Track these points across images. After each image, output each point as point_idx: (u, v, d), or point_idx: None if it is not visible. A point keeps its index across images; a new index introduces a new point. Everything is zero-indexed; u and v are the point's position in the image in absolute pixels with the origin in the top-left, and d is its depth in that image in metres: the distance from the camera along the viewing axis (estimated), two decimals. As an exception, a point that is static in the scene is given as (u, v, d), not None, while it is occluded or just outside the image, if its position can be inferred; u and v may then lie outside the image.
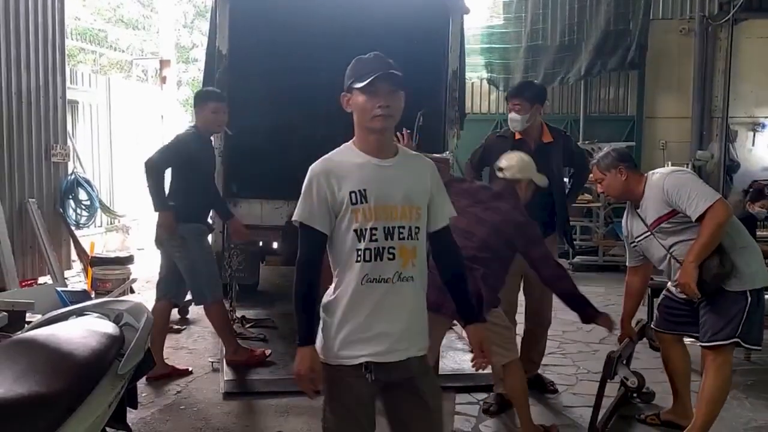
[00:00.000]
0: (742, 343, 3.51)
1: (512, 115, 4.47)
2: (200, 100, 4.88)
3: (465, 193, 3.69)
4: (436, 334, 3.49)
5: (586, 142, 10.74)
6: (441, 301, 3.09)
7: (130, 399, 2.55)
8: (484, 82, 11.38)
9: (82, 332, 2.31)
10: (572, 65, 10.97)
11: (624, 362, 4.04)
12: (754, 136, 11.01)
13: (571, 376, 4.97)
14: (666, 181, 3.57)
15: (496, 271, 3.52)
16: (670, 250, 3.62)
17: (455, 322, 3.62)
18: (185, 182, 4.70)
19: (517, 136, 4.49)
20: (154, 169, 4.56)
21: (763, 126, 10.98)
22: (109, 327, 2.41)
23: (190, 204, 4.65)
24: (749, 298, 3.47)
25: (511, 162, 3.79)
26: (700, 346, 3.63)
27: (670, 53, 11.04)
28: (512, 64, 11.22)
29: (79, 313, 2.54)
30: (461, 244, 3.11)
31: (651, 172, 3.76)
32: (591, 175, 4.02)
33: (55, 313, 2.57)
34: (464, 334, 5.01)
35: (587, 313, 3.60)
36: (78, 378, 2.10)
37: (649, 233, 3.68)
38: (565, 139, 4.70)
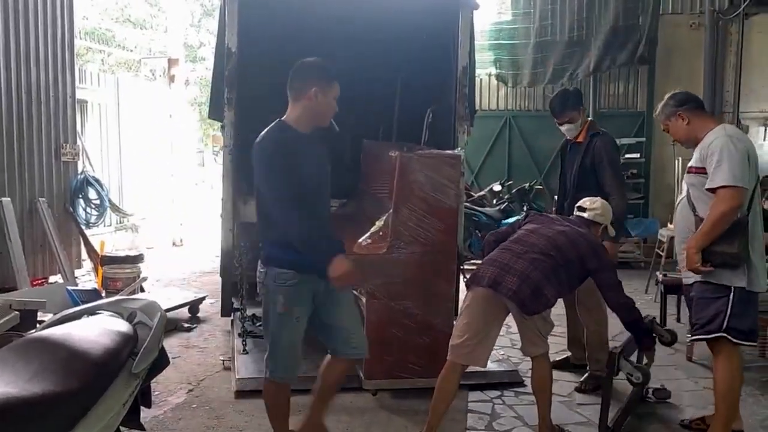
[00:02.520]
0: (731, 339, 3.46)
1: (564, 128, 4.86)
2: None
3: (549, 217, 4.03)
4: (492, 316, 3.63)
5: (596, 138, 10.69)
6: (500, 279, 3.49)
7: (143, 398, 2.53)
8: (493, 78, 11.32)
9: (95, 331, 2.29)
10: (581, 61, 10.89)
11: (627, 358, 3.98)
12: (765, 131, 10.90)
13: (582, 373, 4.91)
14: (714, 141, 3.49)
15: (563, 279, 3.63)
16: (688, 198, 3.63)
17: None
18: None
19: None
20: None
21: (775, 121, 10.88)
22: (122, 325, 2.40)
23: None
24: (732, 293, 3.44)
25: (594, 205, 4.05)
26: (688, 341, 3.63)
27: (680, 48, 10.95)
28: (521, 60, 11.16)
29: (92, 311, 2.52)
30: (542, 245, 3.62)
31: (723, 126, 3.65)
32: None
33: (68, 312, 2.55)
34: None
35: (643, 342, 3.85)
36: (92, 377, 2.08)
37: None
38: (595, 138, 4.72)
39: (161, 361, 2.50)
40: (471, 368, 4.71)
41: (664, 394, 4.39)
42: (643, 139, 10.71)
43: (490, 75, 11.24)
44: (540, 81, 11.10)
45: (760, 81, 10.81)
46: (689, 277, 3.65)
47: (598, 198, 4.15)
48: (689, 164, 3.67)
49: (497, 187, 10.34)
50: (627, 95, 11.31)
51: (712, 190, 3.43)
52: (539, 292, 3.50)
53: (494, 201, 10.34)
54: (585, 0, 10.81)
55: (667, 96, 3.83)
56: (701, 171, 3.52)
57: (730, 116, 10.72)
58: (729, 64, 10.74)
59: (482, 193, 10.33)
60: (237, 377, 4.48)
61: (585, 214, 4.01)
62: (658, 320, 4.54)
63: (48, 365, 2.03)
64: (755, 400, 4.33)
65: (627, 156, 10.12)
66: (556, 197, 5.30)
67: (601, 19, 10.78)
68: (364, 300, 4.29)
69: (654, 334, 3.91)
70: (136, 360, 2.29)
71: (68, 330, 2.28)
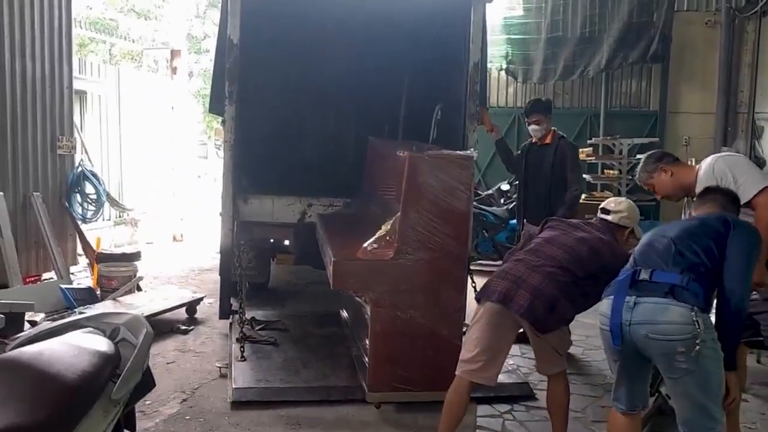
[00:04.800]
0: None
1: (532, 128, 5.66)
2: None
3: (568, 223, 3.67)
4: (504, 332, 3.38)
5: (608, 137, 10.44)
6: (512, 294, 3.23)
7: (127, 423, 2.31)
8: (502, 74, 11.07)
9: (71, 351, 2.07)
10: (593, 58, 10.65)
11: None
12: (780, 132, 10.63)
13: (598, 386, 4.70)
14: (716, 164, 3.51)
15: (583, 293, 3.30)
16: None
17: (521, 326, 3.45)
18: None
19: (534, 139, 5.77)
20: None
21: (791, 122, 10.60)
22: (103, 344, 2.17)
23: None
24: None
25: (620, 207, 3.66)
26: None
27: (694, 46, 10.68)
28: (531, 55, 10.92)
29: (72, 327, 2.29)
30: (560, 257, 3.33)
31: (704, 159, 3.67)
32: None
33: (44, 327, 2.32)
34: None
35: None
36: (65, 405, 1.86)
37: None
38: (560, 141, 5.64)
39: (145, 385, 2.27)
40: (479, 380, 4.56)
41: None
42: (656, 139, 10.43)
43: (500, 70, 10.99)
44: (550, 77, 10.86)
45: (776, 80, 10.54)
46: None
47: (624, 199, 3.83)
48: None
49: (505, 186, 10.08)
50: (639, 94, 11.04)
51: (747, 204, 3.32)
52: (554, 310, 3.20)
53: (502, 200, 10.08)
54: (598, -4, 10.58)
55: (643, 157, 3.90)
56: None
57: (745, 117, 10.46)
58: (744, 64, 10.47)
59: (490, 192, 10.08)
60: (234, 387, 4.26)
61: (609, 217, 3.60)
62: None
63: (14, 392, 1.81)
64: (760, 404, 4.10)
65: (639, 156, 9.82)
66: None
67: (614, 16, 10.53)
68: (368, 309, 4.07)
69: None
70: (117, 384, 2.07)
71: (41, 350, 2.05)
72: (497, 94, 11.18)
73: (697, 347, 2.60)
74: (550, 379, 3.56)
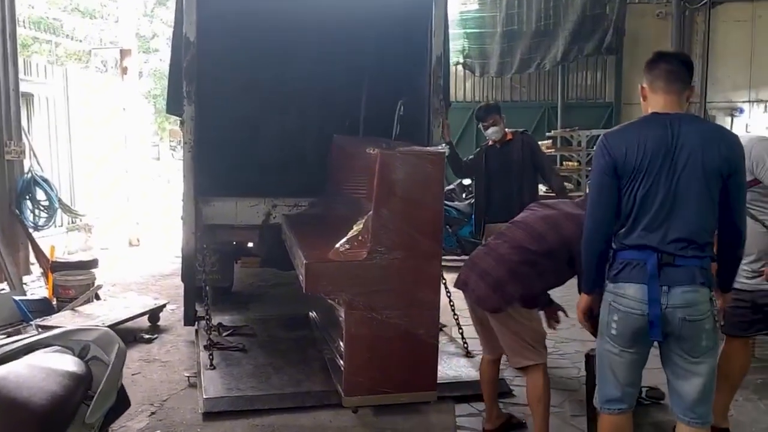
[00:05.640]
0: None
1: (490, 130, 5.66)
2: None
3: (546, 204, 3.73)
4: (480, 316, 3.62)
5: (566, 129, 10.53)
6: (468, 279, 3.50)
7: (101, 444, 2.17)
8: (459, 67, 11.07)
9: (39, 373, 1.92)
10: (548, 50, 10.76)
11: None
12: (732, 121, 10.91)
13: (572, 379, 4.69)
14: (754, 148, 3.35)
15: (540, 272, 3.43)
16: None
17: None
18: None
19: (491, 142, 5.76)
20: None
21: (741, 111, 10.88)
22: (73, 364, 2.03)
23: None
24: None
25: None
26: None
27: (647, 38, 10.88)
28: (488, 49, 10.98)
29: (36, 346, 2.13)
30: (518, 236, 3.47)
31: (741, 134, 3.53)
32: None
33: (4, 348, 2.15)
34: (456, 333, 4.80)
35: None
36: (36, 433, 1.72)
37: None
38: (523, 135, 5.77)
39: (121, 405, 2.13)
40: (455, 379, 4.51)
41: (658, 394, 4.17)
42: (613, 130, 10.56)
43: (457, 64, 10.98)
44: (507, 71, 10.92)
45: (726, 71, 10.81)
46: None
47: None
48: None
49: (467, 181, 10.08)
50: (595, 86, 11.21)
51: None
52: (500, 289, 3.37)
53: (463, 195, 10.08)
54: (552, -12, 10.67)
55: None
56: (752, 183, 3.34)
57: (697, 106, 10.68)
58: (695, 54, 10.70)
59: (451, 187, 10.06)
60: (204, 397, 4.11)
61: None
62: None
63: (-21, 423, 1.66)
64: (754, 406, 4.15)
65: (597, 148, 9.95)
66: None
67: (568, 9, 10.67)
68: (341, 311, 3.96)
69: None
70: (90, 406, 1.93)
71: (5, 374, 1.89)
72: (455, 88, 11.17)
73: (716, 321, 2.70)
74: (526, 373, 3.54)
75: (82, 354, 2.12)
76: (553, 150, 10.38)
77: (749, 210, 3.38)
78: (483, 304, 3.45)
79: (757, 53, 10.53)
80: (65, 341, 2.17)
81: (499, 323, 3.48)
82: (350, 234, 3.96)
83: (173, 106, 5.71)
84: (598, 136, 9.96)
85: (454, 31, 10.67)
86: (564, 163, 10.60)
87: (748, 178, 3.29)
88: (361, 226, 3.94)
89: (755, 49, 10.56)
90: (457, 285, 3.62)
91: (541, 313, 3.76)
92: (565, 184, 10.08)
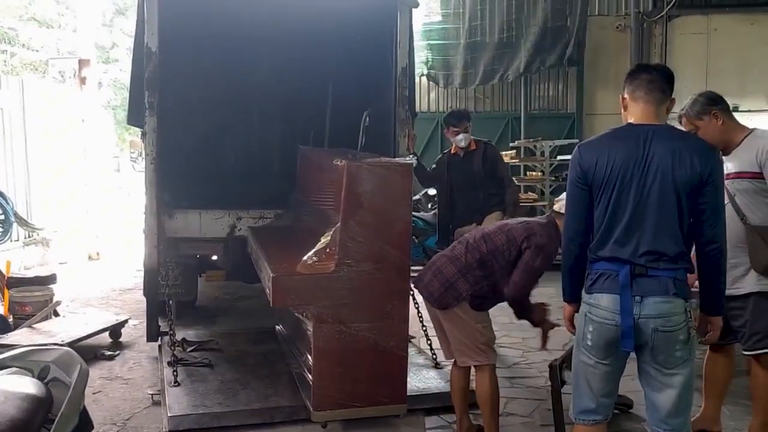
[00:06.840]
0: None
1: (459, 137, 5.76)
2: None
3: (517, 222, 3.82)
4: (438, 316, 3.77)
5: (530, 140, 10.63)
6: (422, 277, 3.73)
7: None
8: (423, 79, 11.11)
9: (-3, 397, 1.84)
10: (511, 62, 10.85)
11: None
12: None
13: (540, 389, 4.69)
14: None
15: (489, 271, 3.60)
16: (733, 205, 3.41)
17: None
18: None
19: (454, 151, 5.91)
20: None
21: (698, 121, 11.10)
22: (32, 386, 1.94)
23: None
24: None
25: (562, 196, 3.70)
26: (748, 354, 3.56)
27: (607, 49, 11.06)
28: (452, 60, 11.04)
29: (-7, 368, 2.05)
30: (472, 238, 3.69)
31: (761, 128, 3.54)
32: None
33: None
34: (424, 345, 4.82)
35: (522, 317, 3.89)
36: (-7, 461, 1.64)
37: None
38: (486, 145, 5.93)
39: (83, 427, 2.05)
40: (424, 391, 4.48)
41: (626, 401, 4.21)
42: (576, 140, 10.69)
43: (421, 75, 11.02)
44: (471, 82, 10.99)
45: (683, 82, 10.96)
46: (741, 288, 3.46)
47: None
48: (732, 170, 3.41)
49: (432, 191, 10.10)
50: (557, 97, 11.33)
51: None
52: (451, 287, 3.57)
53: (429, 206, 10.11)
54: (514, 1, 10.77)
55: (696, 94, 3.61)
56: (757, 176, 3.37)
57: (656, 117, 10.88)
58: (653, 65, 10.90)
59: (417, 197, 10.08)
60: (169, 415, 4.00)
61: (555, 206, 3.71)
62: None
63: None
64: (745, 410, 4.16)
65: (560, 158, 10.07)
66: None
67: (530, 21, 10.77)
68: (309, 324, 3.91)
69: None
70: (51, 430, 1.85)
71: (-39, 398, 1.81)
72: (419, 99, 11.19)
73: (691, 333, 2.67)
74: (476, 371, 3.67)
75: (41, 375, 2.04)
76: (516, 160, 10.46)
77: (735, 201, 3.42)
78: (433, 300, 3.64)
79: (713, 65, 10.78)
80: (24, 362, 2.08)
81: (448, 322, 3.66)
82: (318, 246, 3.92)
83: (134, 117, 5.60)
84: (561, 146, 10.23)
85: (418, 42, 10.73)
86: (528, 173, 10.69)
87: (755, 170, 3.37)
88: (329, 238, 3.90)
89: (711, 61, 10.82)
90: (413, 282, 3.84)
91: (538, 330, 3.91)
92: (529, 193, 10.24)
